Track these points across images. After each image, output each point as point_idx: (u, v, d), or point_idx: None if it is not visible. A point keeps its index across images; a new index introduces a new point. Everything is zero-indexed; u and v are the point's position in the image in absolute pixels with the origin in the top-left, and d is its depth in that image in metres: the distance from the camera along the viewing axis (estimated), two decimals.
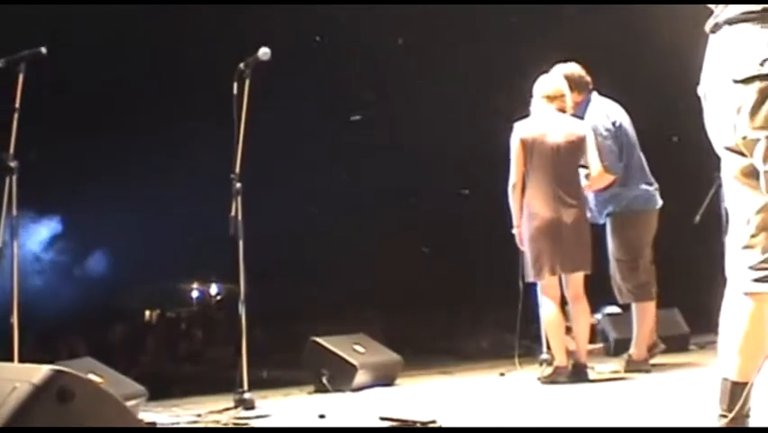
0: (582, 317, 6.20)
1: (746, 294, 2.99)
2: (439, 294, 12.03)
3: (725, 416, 3.04)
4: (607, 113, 6.51)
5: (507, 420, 4.74)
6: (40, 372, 2.80)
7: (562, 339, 6.14)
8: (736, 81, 2.80)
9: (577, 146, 6.17)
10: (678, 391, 5.32)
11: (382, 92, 10.78)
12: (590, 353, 8.48)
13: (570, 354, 6.17)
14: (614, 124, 6.46)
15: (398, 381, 6.77)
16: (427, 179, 11.78)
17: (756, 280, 2.95)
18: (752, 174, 2.90)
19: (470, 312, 11.44)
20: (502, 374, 6.72)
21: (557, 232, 6.03)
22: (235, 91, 5.68)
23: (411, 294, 12.43)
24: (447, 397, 5.89)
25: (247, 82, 5.69)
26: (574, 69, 6.52)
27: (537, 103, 6.25)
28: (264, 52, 5.70)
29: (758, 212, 2.92)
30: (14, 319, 5.21)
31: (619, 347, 7.99)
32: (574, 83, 6.42)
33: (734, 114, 2.85)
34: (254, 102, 5.63)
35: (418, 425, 4.32)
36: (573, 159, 6.19)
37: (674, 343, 7.42)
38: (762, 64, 2.75)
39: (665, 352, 6.79)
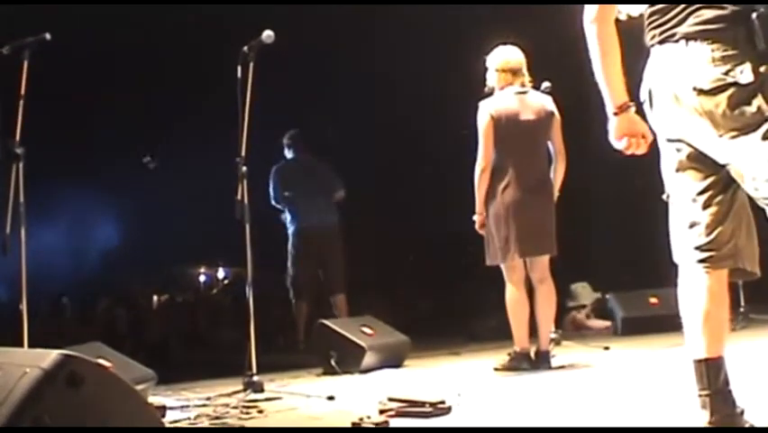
0: (547, 302, 6.01)
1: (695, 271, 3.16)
2: (444, 274, 12.03)
3: (704, 394, 3.11)
4: None
5: (517, 401, 4.76)
6: (49, 356, 2.80)
7: (525, 324, 5.93)
8: (701, 91, 2.99)
9: (548, 123, 5.91)
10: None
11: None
12: (599, 332, 8.55)
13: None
14: None
15: (407, 362, 6.79)
16: (429, 159, 11.76)
17: (700, 261, 3.13)
18: (697, 159, 3.11)
19: (475, 292, 11.44)
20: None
21: (526, 213, 5.79)
22: (240, 75, 5.65)
23: (416, 275, 12.45)
24: (456, 378, 5.89)
25: (251, 66, 5.66)
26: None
27: (499, 76, 5.89)
28: (268, 35, 5.64)
29: (700, 193, 3.13)
30: (24, 306, 5.23)
31: (627, 326, 8.01)
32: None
33: (697, 117, 3.02)
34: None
35: (427, 406, 4.32)
36: (544, 138, 5.93)
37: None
38: (726, 74, 2.96)
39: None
